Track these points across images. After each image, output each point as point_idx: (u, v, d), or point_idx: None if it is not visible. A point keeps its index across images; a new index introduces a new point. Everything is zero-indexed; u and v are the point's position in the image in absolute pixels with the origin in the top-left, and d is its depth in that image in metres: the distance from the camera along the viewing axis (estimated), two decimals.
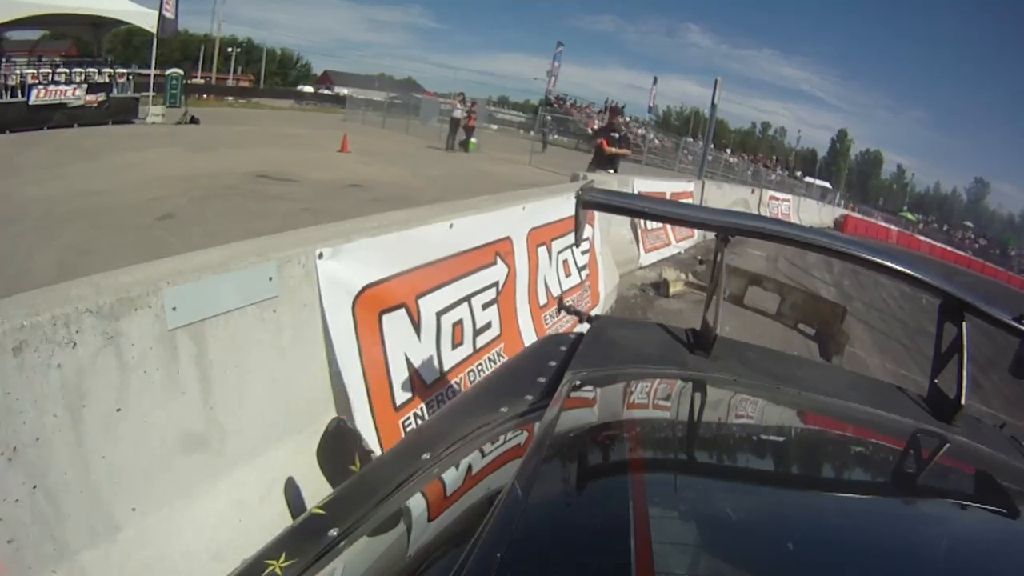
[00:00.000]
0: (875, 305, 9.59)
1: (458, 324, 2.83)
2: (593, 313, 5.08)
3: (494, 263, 3.19)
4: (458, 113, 20.04)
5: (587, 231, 5.07)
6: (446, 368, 2.72)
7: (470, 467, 1.06)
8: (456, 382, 2.77)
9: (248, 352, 1.83)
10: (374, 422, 2.26)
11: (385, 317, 2.31)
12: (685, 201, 10.38)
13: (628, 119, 41.20)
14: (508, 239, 3.39)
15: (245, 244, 1.86)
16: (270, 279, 1.84)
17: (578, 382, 1.14)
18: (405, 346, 2.44)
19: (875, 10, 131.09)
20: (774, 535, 0.80)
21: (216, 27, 42.56)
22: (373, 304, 2.24)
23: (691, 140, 37.11)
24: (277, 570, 0.85)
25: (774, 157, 53.82)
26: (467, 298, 2.89)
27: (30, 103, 16.32)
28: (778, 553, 0.75)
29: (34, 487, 1.45)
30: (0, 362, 1.36)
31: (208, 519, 1.81)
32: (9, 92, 16.00)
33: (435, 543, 0.89)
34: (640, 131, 37.49)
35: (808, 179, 45.14)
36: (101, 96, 18.26)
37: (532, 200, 3.93)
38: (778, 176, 36.64)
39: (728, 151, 45.48)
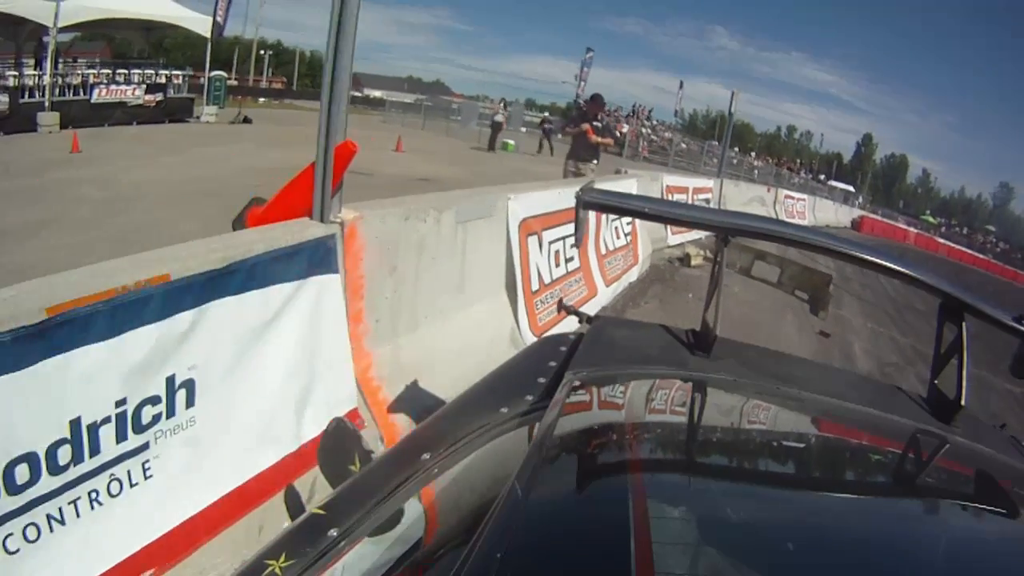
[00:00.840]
0: (870, 286, 11.17)
1: (558, 252, 4.64)
2: (636, 267, 6.88)
3: None
4: (499, 117, 22.08)
5: None
6: (553, 278, 4.53)
7: (470, 467, 1.09)
8: (559, 287, 4.58)
9: (479, 243, 3.61)
10: (523, 297, 4.05)
11: (529, 238, 4.11)
12: (704, 196, 12.11)
13: (656, 122, 42.56)
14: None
15: (479, 189, 3.67)
16: (490, 206, 3.65)
17: (578, 382, 1.16)
18: (535, 258, 4.24)
19: (904, 13, 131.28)
20: (774, 535, 0.82)
21: (254, 30, 44.56)
22: (525, 229, 4.05)
23: (716, 144, 38.39)
24: (277, 570, 0.87)
25: (798, 161, 55.10)
26: (563, 238, 4.69)
27: (92, 101, 18.02)
28: (778, 553, 0.77)
29: (395, 291, 3.00)
30: (397, 224, 2.94)
31: (458, 328, 3.50)
32: (72, 90, 17.72)
33: (435, 543, 0.95)
34: (667, 135, 38.95)
35: (832, 183, 46.34)
36: (159, 96, 20.02)
37: (598, 183, 5.77)
38: (801, 179, 37.80)
39: (753, 155, 46.89)
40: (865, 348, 7.14)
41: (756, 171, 30.33)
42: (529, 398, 1.25)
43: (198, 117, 21.26)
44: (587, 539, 0.78)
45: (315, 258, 2.32)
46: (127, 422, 1.72)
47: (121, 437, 1.71)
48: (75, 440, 1.59)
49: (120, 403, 1.69)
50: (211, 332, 1.92)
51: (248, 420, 2.10)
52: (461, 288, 3.52)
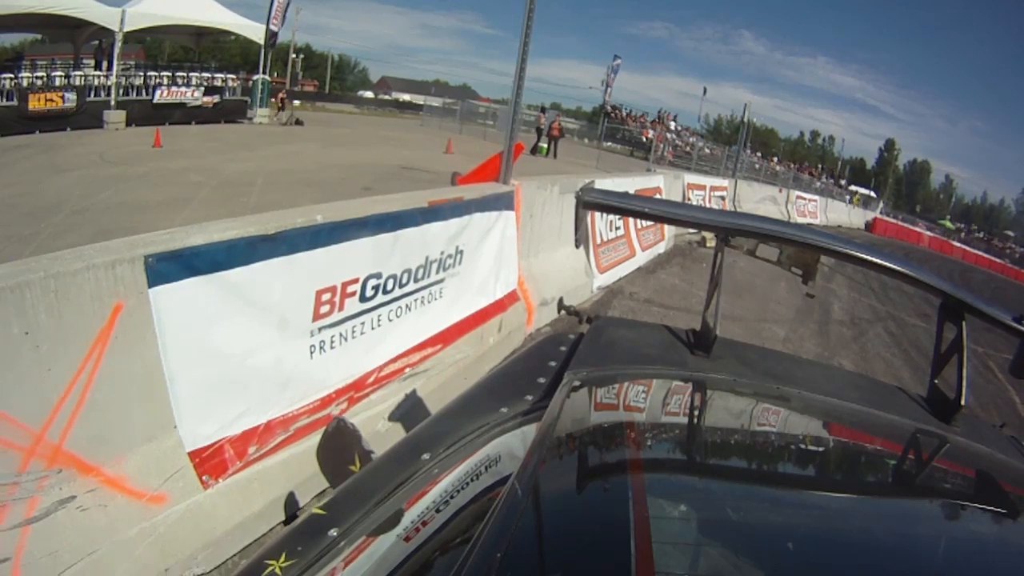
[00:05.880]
0: (862, 271, 13.27)
1: (611, 222, 6.90)
2: (664, 242, 9.12)
3: None
4: (543, 122, 24.63)
5: (658, 195, 9.07)
6: (608, 239, 6.79)
7: (470, 467, 1.14)
8: (613, 245, 6.83)
9: (567, 208, 5.85)
10: (592, 247, 6.30)
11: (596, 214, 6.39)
12: (719, 193, 14.29)
13: (680, 128, 44.53)
14: (629, 192, 7.45)
15: (572, 175, 5.95)
16: (577, 185, 5.91)
17: (578, 382, 1.22)
18: (599, 224, 6.49)
19: (932, 19, 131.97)
20: (774, 535, 0.85)
21: (290, 35, 46.95)
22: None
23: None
24: (277, 570, 0.91)
25: (819, 166, 56.74)
26: None
27: (154, 101, 19.97)
28: (778, 553, 0.80)
29: (530, 228, 5.26)
30: (533, 190, 5.18)
31: (556, 258, 5.80)
32: (135, 91, 19.77)
33: (435, 543, 0.97)
34: (691, 139, 40.92)
35: (852, 187, 48.09)
36: (216, 98, 22.01)
37: (636, 176, 8.03)
38: (822, 184, 39.38)
39: (775, 159, 48.67)
40: (843, 309, 9.29)
41: (777, 176, 32.06)
42: (529, 398, 1.32)
43: (250, 118, 23.11)
44: (587, 539, 0.81)
45: (505, 201, 4.56)
46: (441, 264, 3.90)
47: (438, 271, 3.89)
48: (423, 266, 3.73)
49: (440, 251, 3.85)
50: (472, 228, 4.12)
51: (477, 279, 4.33)
52: (559, 235, 5.75)
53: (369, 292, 3.18)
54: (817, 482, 1.10)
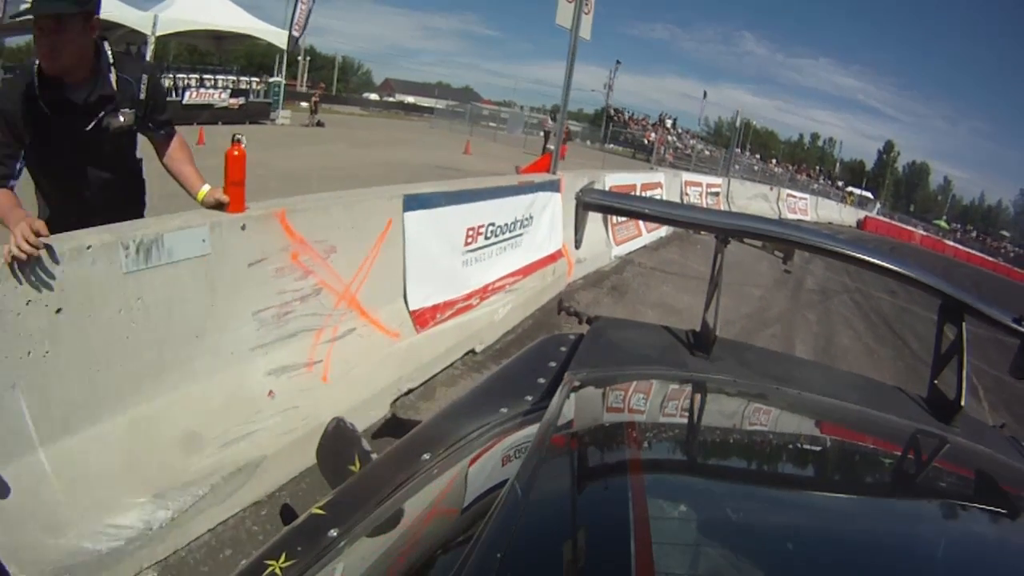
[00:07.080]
0: None
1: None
2: (652, 236, 11.33)
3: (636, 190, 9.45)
4: (550, 126, 26.88)
5: (659, 189, 11.29)
6: (620, 219, 8.99)
7: (470, 467, 1.17)
8: (624, 225, 9.06)
9: None
10: (610, 224, 8.52)
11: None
12: (714, 190, 16.50)
13: (681, 130, 46.76)
14: (635, 184, 9.67)
15: (583, 171, 8.17)
16: (599, 176, 8.12)
17: (578, 383, 1.25)
18: None
19: (933, 19, 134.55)
20: (774, 536, 0.88)
21: (301, 38, 48.41)
22: (613, 189, 8.50)
23: (738, 151, 42.31)
24: (277, 570, 0.94)
25: (817, 167, 58.87)
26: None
27: (184, 103, 21.30)
28: (778, 553, 0.82)
29: (567, 209, 7.57)
30: (571, 179, 7.42)
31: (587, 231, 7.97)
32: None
33: (435, 543, 1.00)
34: (692, 142, 43.12)
35: (850, 189, 50.31)
36: (242, 100, 23.63)
37: (641, 172, 10.27)
38: (820, 186, 41.34)
39: (774, 162, 50.87)
40: (816, 282, 11.49)
41: (775, 178, 33.72)
42: (529, 398, 1.37)
43: (273, 120, 24.70)
44: (587, 539, 0.83)
45: (555, 186, 6.75)
46: (521, 223, 6.09)
47: (520, 227, 6.07)
48: (514, 223, 5.91)
49: (521, 215, 6.05)
50: (537, 202, 6.32)
51: (540, 237, 6.51)
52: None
53: (489, 233, 5.37)
54: (817, 483, 1.14)
